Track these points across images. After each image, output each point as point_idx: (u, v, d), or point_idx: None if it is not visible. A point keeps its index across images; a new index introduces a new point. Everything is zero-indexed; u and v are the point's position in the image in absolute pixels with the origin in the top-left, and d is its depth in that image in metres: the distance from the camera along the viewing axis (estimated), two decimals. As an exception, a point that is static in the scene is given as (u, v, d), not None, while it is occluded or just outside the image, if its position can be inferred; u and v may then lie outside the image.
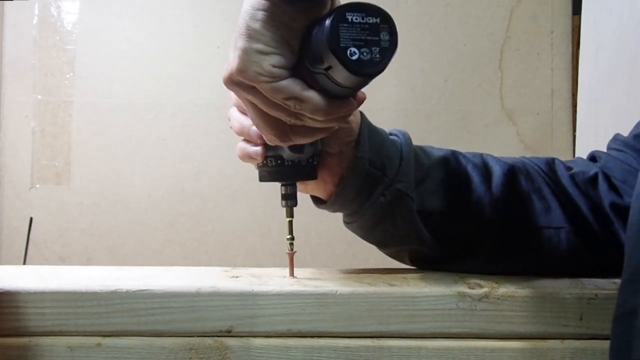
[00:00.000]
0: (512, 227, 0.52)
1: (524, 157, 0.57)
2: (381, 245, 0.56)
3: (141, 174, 1.46)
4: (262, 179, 0.53)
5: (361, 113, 0.52)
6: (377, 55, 0.39)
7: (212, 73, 1.40)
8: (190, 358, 0.47)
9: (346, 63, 0.39)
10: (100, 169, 1.46)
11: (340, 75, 0.40)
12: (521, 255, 0.53)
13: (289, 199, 0.53)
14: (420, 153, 0.53)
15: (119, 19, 1.47)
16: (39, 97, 1.46)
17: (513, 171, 0.53)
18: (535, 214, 0.52)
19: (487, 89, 1.48)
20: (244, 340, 0.47)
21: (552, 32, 1.48)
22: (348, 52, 0.39)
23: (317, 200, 0.55)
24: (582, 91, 1.12)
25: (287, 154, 0.49)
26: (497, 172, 0.53)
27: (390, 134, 0.54)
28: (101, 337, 0.47)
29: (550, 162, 0.56)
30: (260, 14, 0.40)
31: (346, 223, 0.56)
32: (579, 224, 0.53)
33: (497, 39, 1.47)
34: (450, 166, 0.53)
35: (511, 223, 0.52)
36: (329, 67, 0.40)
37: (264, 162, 0.52)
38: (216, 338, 0.47)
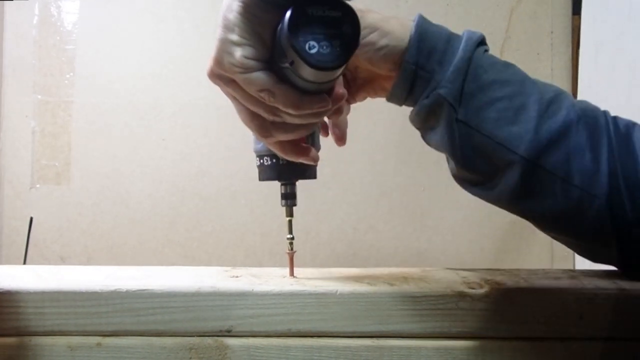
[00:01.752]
0: (544, 173, 0.50)
1: (608, 111, 0.54)
2: (430, 145, 0.56)
3: (141, 174, 1.46)
4: (261, 177, 0.53)
5: (422, 17, 0.53)
6: (338, 49, 0.39)
7: (212, 73, 1.39)
8: (190, 358, 0.47)
9: (305, 57, 0.38)
10: (100, 169, 1.45)
11: (303, 69, 0.39)
12: (544, 203, 0.52)
13: (289, 199, 0.53)
14: (486, 66, 0.52)
15: (119, 19, 1.47)
16: (39, 97, 1.46)
17: (578, 121, 0.51)
18: (578, 171, 0.50)
19: (487, 89, 1.48)
20: (244, 340, 0.47)
21: (552, 32, 1.48)
22: (307, 46, 0.38)
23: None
24: (582, 91, 1.12)
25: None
26: (560, 115, 0.51)
27: (467, 35, 0.53)
28: (101, 337, 0.47)
29: (630, 126, 0.53)
30: (235, 5, 0.41)
31: (410, 117, 0.56)
32: (629, 194, 0.50)
33: (497, 39, 1.47)
34: (510, 89, 0.51)
35: (545, 168, 0.50)
36: (292, 62, 0.39)
37: (261, 160, 0.52)
38: (216, 338, 0.47)
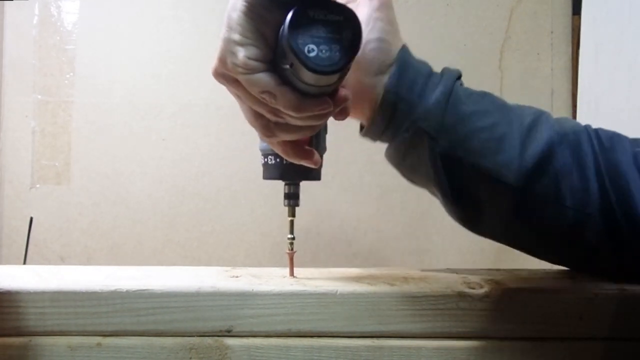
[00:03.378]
0: (535, 198, 0.50)
1: (589, 125, 0.54)
2: (410, 181, 0.56)
3: (141, 174, 1.46)
4: (265, 176, 0.54)
5: (404, 46, 0.52)
6: (337, 54, 0.39)
7: (212, 73, 1.40)
8: (190, 358, 0.47)
9: (303, 60, 0.38)
10: (100, 169, 1.45)
11: (302, 72, 0.39)
12: (539, 230, 0.51)
13: (292, 199, 0.53)
14: (464, 98, 0.52)
15: (119, 19, 1.47)
16: (39, 97, 1.46)
17: (561, 141, 0.51)
18: (569, 191, 0.50)
19: (487, 89, 1.48)
20: (244, 340, 0.47)
21: (552, 32, 1.48)
22: (306, 49, 0.38)
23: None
24: (582, 91, 1.12)
25: None
26: (542, 138, 0.50)
27: (446, 71, 0.53)
28: (101, 337, 0.47)
29: (614, 137, 0.53)
30: (240, 4, 0.41)
31: (386, 155, 0.56)
32: (621, 210, 0.49)
33: (497, 39, 1.47)
34: (490, 120, 0.51)
35: (535, 193, 0.50)
36: (292, 64, 0.39)
37: (265, 159, 0.52)
38: (216, 338, 0.47)
